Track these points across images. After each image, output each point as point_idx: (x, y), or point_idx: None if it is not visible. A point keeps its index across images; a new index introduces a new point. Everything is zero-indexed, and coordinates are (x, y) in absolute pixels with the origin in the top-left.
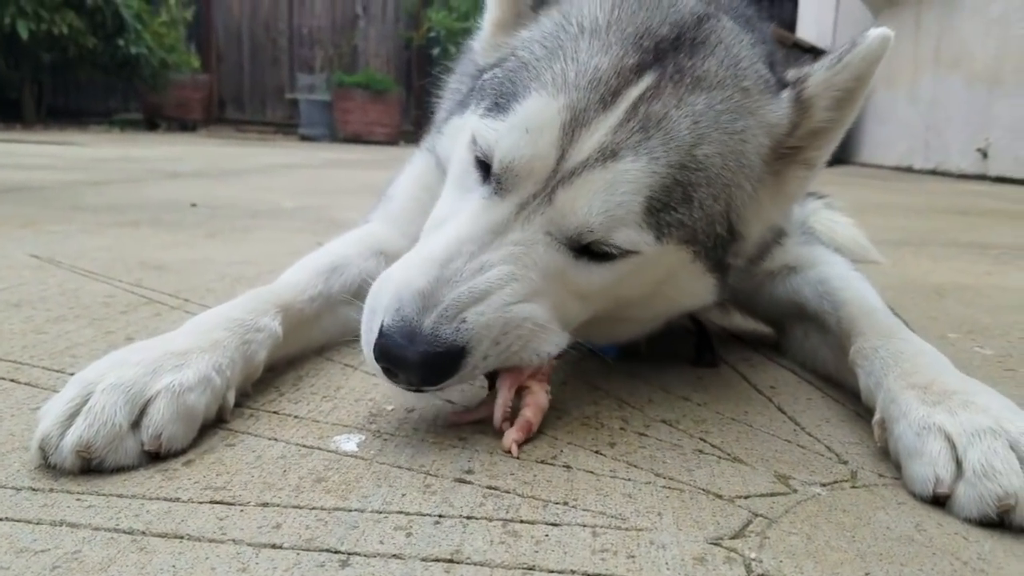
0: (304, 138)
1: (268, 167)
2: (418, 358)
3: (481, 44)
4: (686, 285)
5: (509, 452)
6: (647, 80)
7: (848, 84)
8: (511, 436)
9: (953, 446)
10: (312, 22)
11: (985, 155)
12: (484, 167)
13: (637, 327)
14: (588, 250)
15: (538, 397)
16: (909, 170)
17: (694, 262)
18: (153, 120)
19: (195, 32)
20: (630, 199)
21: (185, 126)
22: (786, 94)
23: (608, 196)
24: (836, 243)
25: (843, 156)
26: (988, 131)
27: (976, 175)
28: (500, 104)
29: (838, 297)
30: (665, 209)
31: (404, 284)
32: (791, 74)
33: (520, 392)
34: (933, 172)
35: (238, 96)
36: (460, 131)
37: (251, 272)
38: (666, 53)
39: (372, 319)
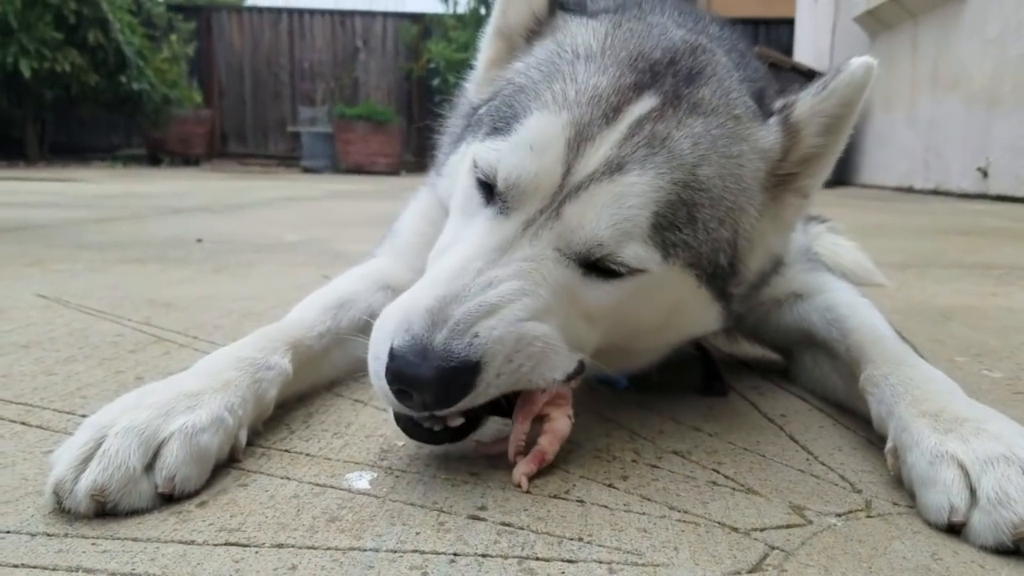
0: (306, 170)
1: (271, 200)
2: (432, 374)
3: (475, 82)
4: (693, 312)
5: (519, 486)
6: (648, 100)
7: (835, 110)
8: (520, 470)
9: (966, 474)
10: (313, 56)
11: (985, 174)
12: (486, 189)
13: (647, 356)
14: (596, 267)
15: (557, 424)
16: (910, 190)
17: (699, 288)
18: (156, 155)
19: (197, 68)
20: (637, 212)
21: (188, 161)
22: (774, 120)
23: (616, 209)
24: (840, 267)
25: (844, 177)
26: (988, 151)
27: (977, 194)
28: (499, 128)
29: (846, 324)
30: (671, 228)
31: (410, 305)
32: (778, 103)
33: (540, 420)
34: (934, 192)
35: (240, 130)
36: (458, 166)
37: (258, 308)
38: (661, 75)
39: (379, 347)
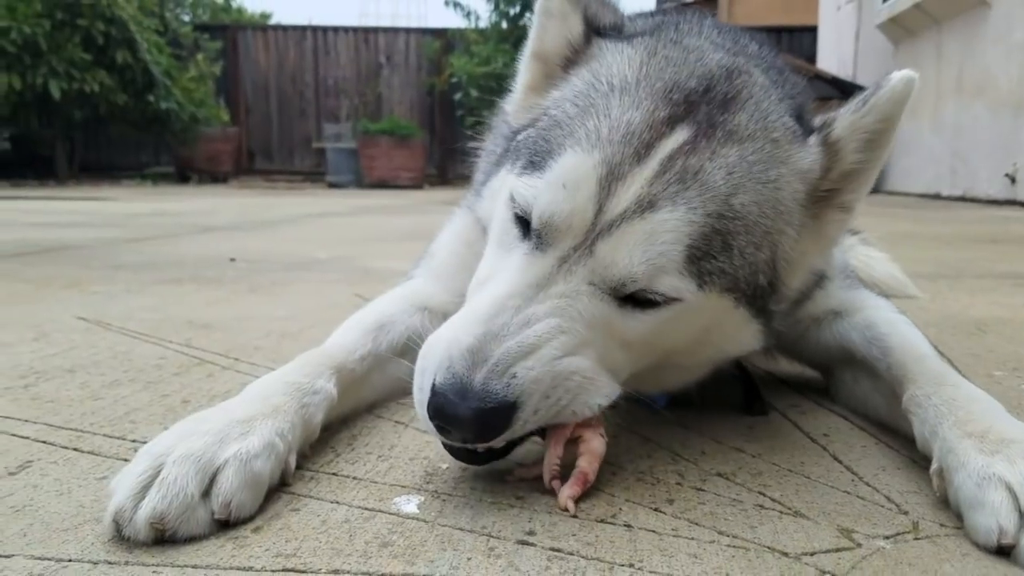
0: (332, 185)
1: (299, 217)
2: (470, 414)
3: (513, 107)
4: (732, 332)
5: (566, 510)
6: (680, 133)
7: (875, 126)
8: (566, 493)
9: (1015, 496)
10: (337, 73)
11: (1013, 180)
12: (523, 223)
13: (686, 375)
14: (632, 298)
15: (592, 444)
16: (937, 197)
17: (737, 308)
18: (184, 173)
19: (223, 86)
20: (670, 248)
21: (216, 178)
22: (813, 139)
23: (648, 247)
24: (873, 279)
25: None
26: (1015, 156)
27: (1006, 200)
28: (535, 162)
29: (886, 343)
30: (705, 258)
31: (453, 342)
32: (817, 120)
33: (574, 442)
34: (962, 199)
35: (267, 147)
36: (498, 191)
37: (294, 327)
38: (696, 105)
39: (423, 378)
